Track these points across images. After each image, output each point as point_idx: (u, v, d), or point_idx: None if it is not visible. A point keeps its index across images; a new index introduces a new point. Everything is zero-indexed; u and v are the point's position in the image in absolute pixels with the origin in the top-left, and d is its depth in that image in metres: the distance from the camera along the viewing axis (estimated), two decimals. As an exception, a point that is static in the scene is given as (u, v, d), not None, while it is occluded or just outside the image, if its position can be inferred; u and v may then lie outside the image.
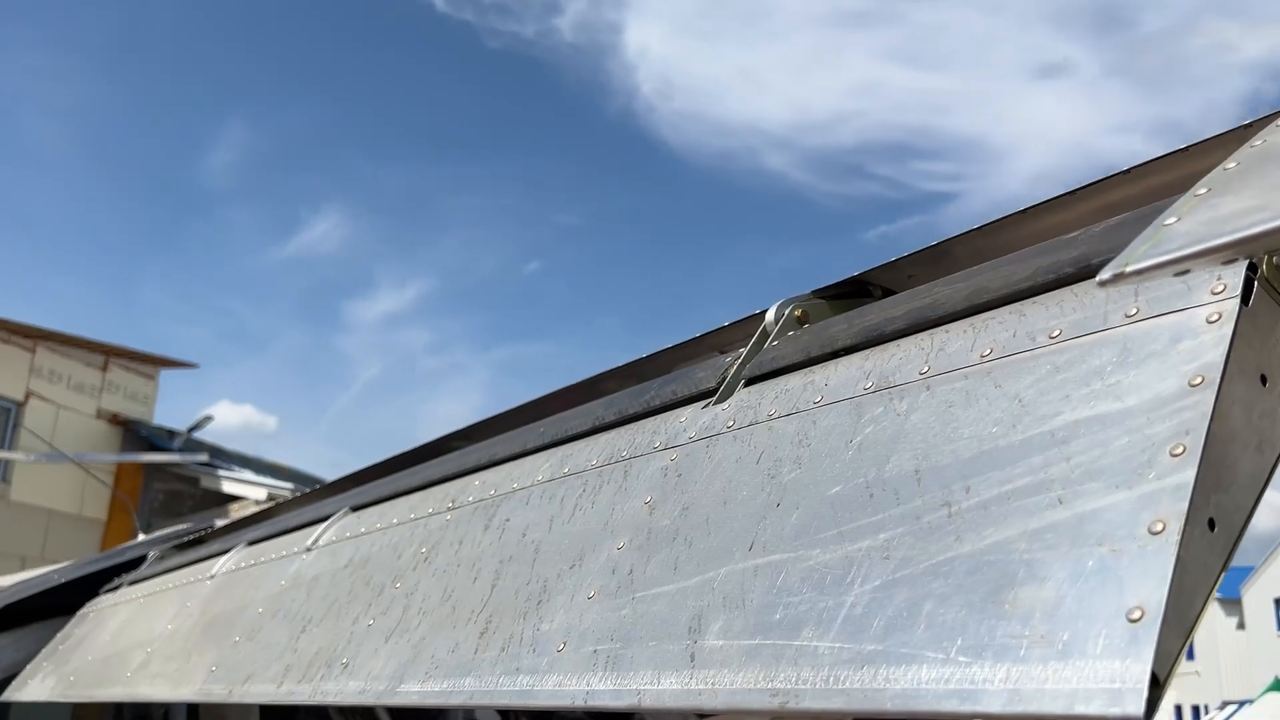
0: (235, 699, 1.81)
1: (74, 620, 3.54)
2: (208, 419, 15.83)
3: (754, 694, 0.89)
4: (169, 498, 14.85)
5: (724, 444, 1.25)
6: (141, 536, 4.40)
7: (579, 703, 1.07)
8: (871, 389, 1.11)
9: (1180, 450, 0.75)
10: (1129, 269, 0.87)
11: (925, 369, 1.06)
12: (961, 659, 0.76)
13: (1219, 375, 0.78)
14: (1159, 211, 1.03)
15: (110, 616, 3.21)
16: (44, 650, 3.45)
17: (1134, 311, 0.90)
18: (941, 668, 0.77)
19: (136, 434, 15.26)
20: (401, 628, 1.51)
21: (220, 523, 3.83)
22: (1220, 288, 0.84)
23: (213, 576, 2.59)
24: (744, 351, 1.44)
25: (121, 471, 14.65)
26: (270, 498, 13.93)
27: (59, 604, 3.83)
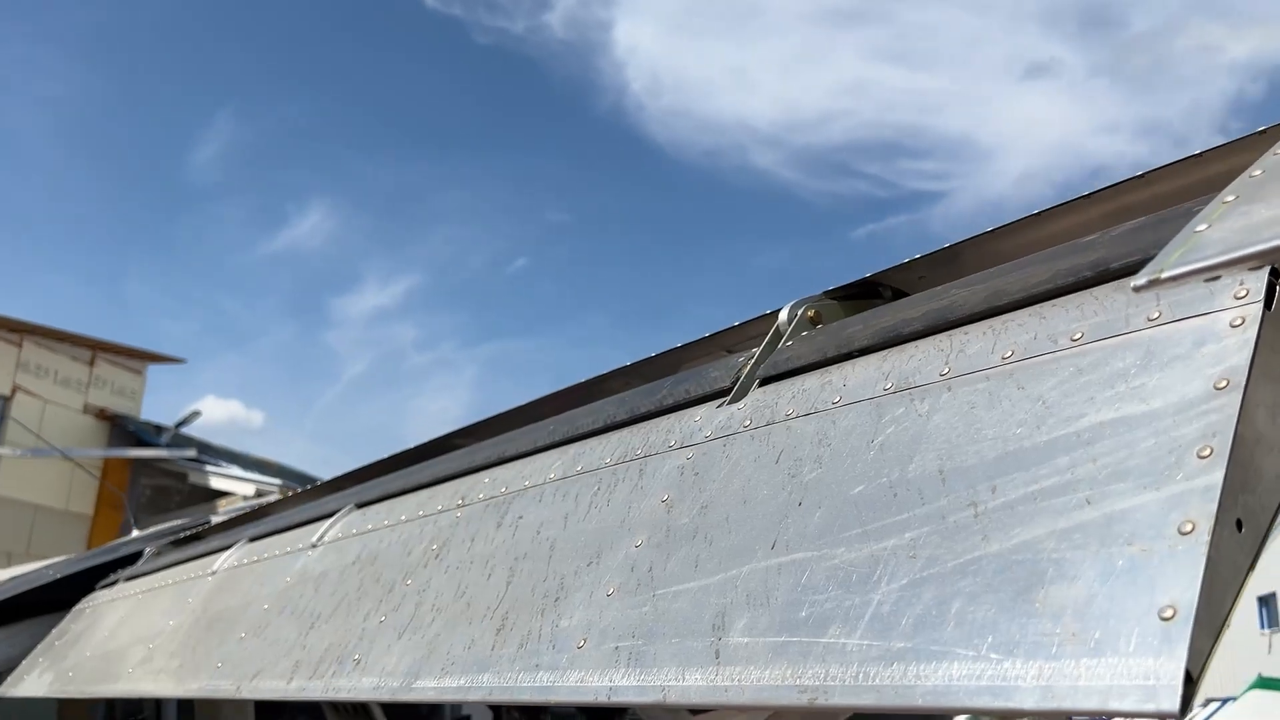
0: (243, 695, 1.81)
1: (69, 616, 3.53)
2: (195, 414, 15.78)
3: (782, 690, 0.90)
4: (156, 493, 14.79)
5: (741, 443, 1.26)
6: (136, 532, 4.39)
7: (602, 699, 1.08)
8: (891, 389, 1.12)
9: (1208, 452, 0.76)
10: (1164, 275, 0.88)
11: (946, 370, 1.07)
12: (993, 656, 0.77)
13: (1244, 379, 0.79)
14: (1177, 216, 1.04)
15: (107, 612, 3.20)
16: (39, 646, 3.44)
17: (1156, 315, 0.91)
18: (973, 664, 0.78)
19: (124, 429, 15.20)
20: (414, 624, 1.52)
21: (216, 519, 3.82)
22: (1243, 292, 0.85)
23: (214, 573, 2.59)
24: (757, 351, 1.45)
25: (108, 467, 14.58)
26: (258, 493, 13.88)
27: (53, 600, 3.82)
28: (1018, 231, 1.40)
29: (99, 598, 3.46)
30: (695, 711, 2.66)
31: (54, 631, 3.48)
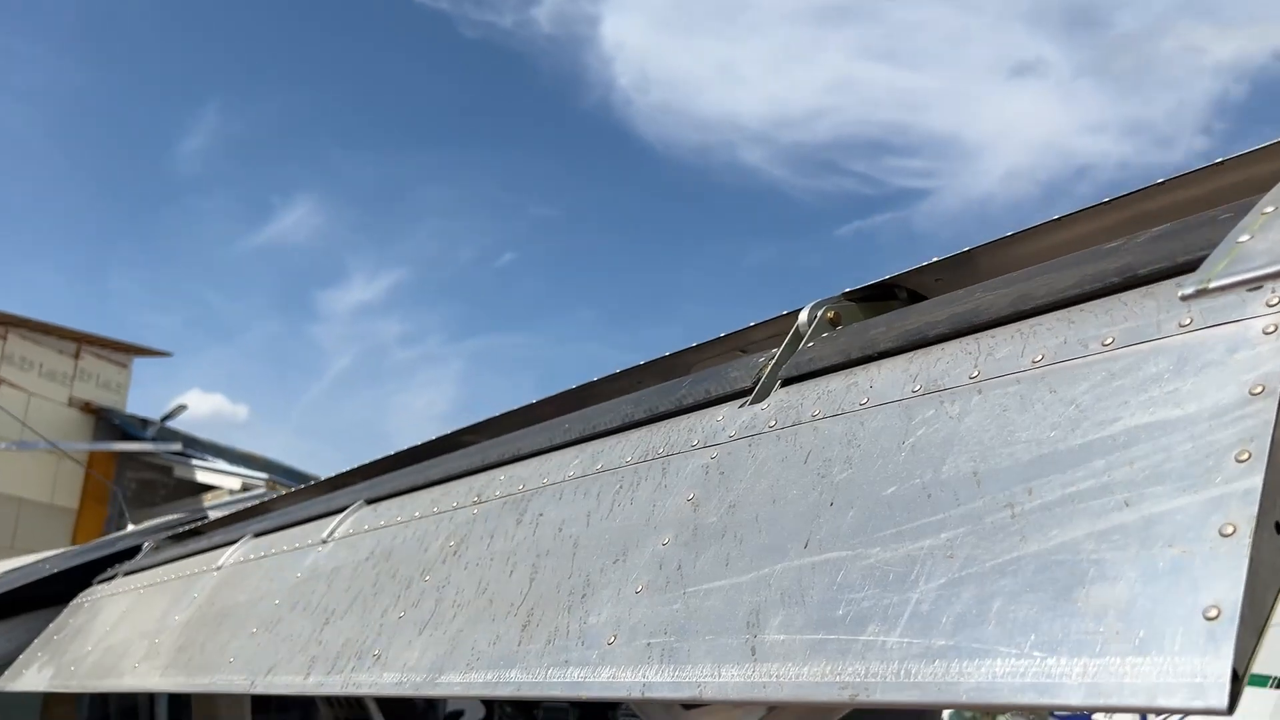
0: (258, 689, 1.82)
1: (67, 611, 3.53)
2: (181, 408, 15.69)
3: (822, 686, 0.92)
4: (141, 487, 14.72)
5: (767, 443, 1.28)
6: (131, 526, 4.37)
7: (635, 694, 1.10)
8: (920, 391, 1.14)
9: (1246, 456, 0.78)
10: (1212, 285, 0.90)
11: (975, 373, 1.09)
12: (1036, 654, 0.79)
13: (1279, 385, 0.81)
14: (1201, 224, 1.07)
15: (107, 606, 3.20)
16: (37, 640, 3.43)
17: (1188, 321, 0.93)
18: (1016, 661, 0.80)
19: (109, 422, 15.11)
20: (435, 620, 1.53)
21: (214, 514, 3.82)
22: (1275, 300, 0.88)
23: (219, 568, 2.59)
24: (777, 352, 1.47)
25: (94, 461, 14.50)
26: (244, 487, 13.84)
27: (48, 594, 3.81)
28: (1036, 236, 1.42)
29: (97, 592, 3.46)
30: (688, 706, 2.68)
31: (51, 626, 3.47)
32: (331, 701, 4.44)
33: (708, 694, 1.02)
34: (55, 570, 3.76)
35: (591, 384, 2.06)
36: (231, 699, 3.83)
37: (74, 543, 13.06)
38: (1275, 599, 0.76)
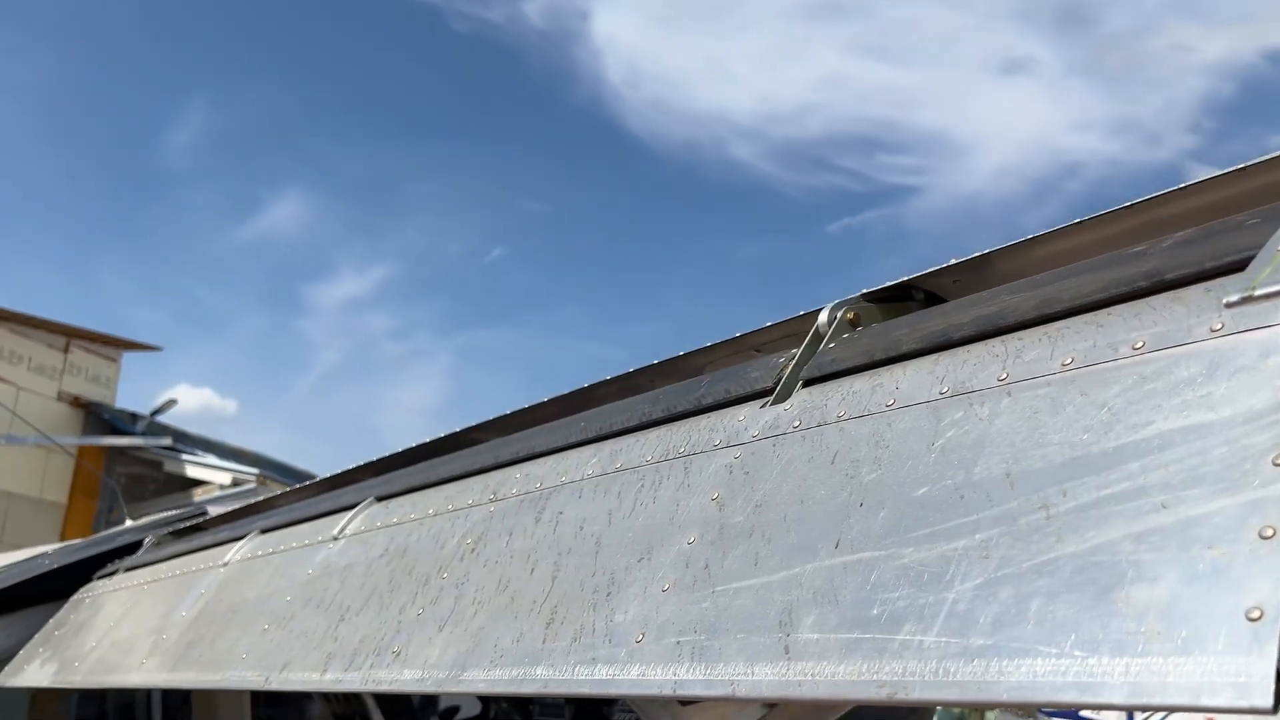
0: (273, 686, 1.83)
1: (68, 606, 3.52)
2: (171, 402, 15.65)
3: (859, 684, 0.93)
4: (131, 481, 14.66)
5: (792, 443, 1.29)
6: (130, 522, 4.37)
7: (667, 692, 1.11)
8: (948, 393, 1.15)
9: (1283, 460, 0.80)
10: (1258, 292, 0.92)
11: (1004, 375, 1.11)
12: (1077, 653, 0.81)
13: None
14: (1228, 229, 1.08)
15: (109, 602, 3.20)
16: (38, 636, 3.43)
17: (1219, 326, 0.95)
18: (1057, 660, 0.81)
19: (98, 417, 15.05)
20: (456, 617, 1.54)
21: (213, 510, 3.81)
22: (1309, 307, 0.89)
23: (226, 564, 2.59)
24: (796, 352, 1.48)
25: (83, 455, 14.44)
26: (234, 482, 13.81)
27: (48, 589, 3.80)
28: (1054, 240, 1.43)
29: (99, 588, 3.45)
30: (685, 702, 2.70)
31: (52, 621, 3.47)
32: (329, 697, 4.44)
33: (741, 691, 1.03)
34: (55, 565, 3.74)
35: (602, 382, 2.07)
36: (231, 696, 3.83)
37: (63, 538, 13.01)
38: (1314, 600, 0.77)
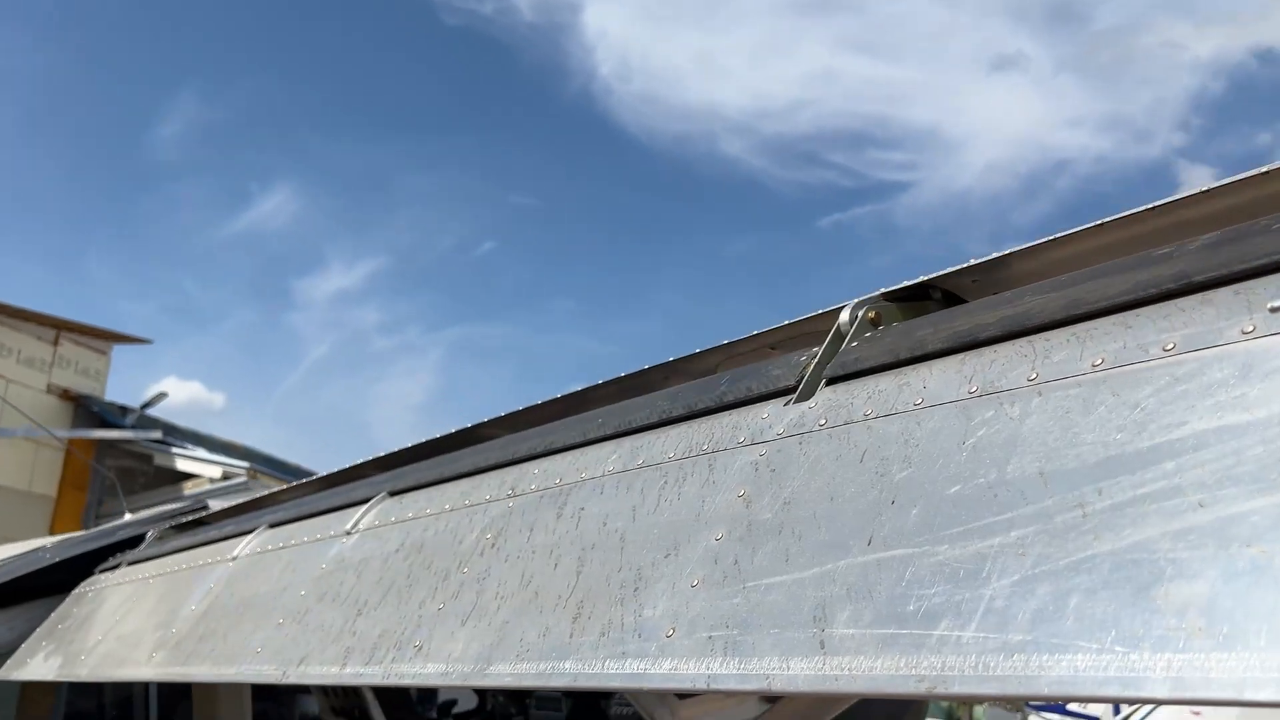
0: (290, 679, 1.84)
1: (70, 599, 3.52)
2: (162, 395, 15.60)
3: (897, 679, 0.95)
4: (121, 474, 14.61)
5: (818, 441, 1.31)
6: (129, 515, 4.36)
7: (700, 686, 1.12)
8: (976, 393, 1.17)
9: (1320, 461, 0.82)
10: None
11: (1033, 375, 1.13)
12: (1118, 649, 0.82)
13: None
14: (1255, 233, 1.10)
15: (113, 596, 3.20)
16: (39, 630, 3.42)
17: (1251, 329, 0.97)
18: (1097, 656, 0.83)
19: (88, 410, 15.00)
20: (478, 611, 1.55)
21: (214, 504, 3.81)
22: (1340, 310, 0.91)
23: (235, 558, 2.60)
24: (819, 351, 1.50)
25: (72, 448, 14.38)
26: (225, 476, 13.78)
27: (49, 583, 3.79)
28: (1073, 241, 1.45)
29: (101, 581, 3.45)
30: (682, 696, 2.71)
31: (54, 615, 3.46)
32: (328, 691, 4.44)
33: (776, 685, 1.05)
34: (55, 559, 3.74)
35: (613, 380, 2.08)
36: (233, 690, 3.84)
37: (53, 531, 12.95)
38: (1352, 598, 0.79)
